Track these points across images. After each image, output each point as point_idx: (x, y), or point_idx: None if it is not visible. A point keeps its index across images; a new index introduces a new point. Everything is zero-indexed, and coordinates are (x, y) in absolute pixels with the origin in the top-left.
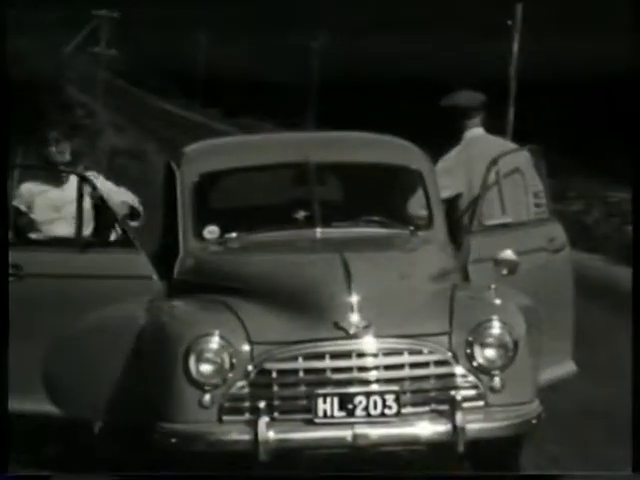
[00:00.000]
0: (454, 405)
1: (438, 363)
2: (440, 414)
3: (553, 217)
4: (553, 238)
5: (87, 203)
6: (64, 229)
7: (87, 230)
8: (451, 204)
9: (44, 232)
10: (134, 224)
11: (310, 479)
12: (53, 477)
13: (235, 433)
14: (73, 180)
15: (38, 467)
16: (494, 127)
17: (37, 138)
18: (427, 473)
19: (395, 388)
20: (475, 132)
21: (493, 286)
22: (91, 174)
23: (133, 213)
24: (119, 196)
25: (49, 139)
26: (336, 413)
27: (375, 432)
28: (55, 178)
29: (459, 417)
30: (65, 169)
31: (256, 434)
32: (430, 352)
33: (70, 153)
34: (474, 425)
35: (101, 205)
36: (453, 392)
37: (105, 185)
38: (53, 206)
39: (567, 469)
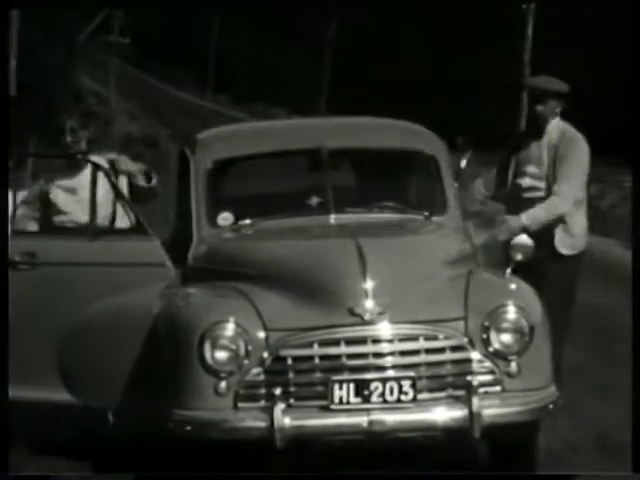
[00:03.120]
0: (470, 391)
1: (454, 349)
2: (456, 400)
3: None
4: None
5: (102, 190)
6: (82, 215)
7: (103, 218)
8: None
9: (64, 217)
10: (151, 185)
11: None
12: (53, 477)
13: (251, 420)
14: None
15: (52, 454)
16: None
17: (53, 128)
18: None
19: (411, 374)
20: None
21: (509, 271)
22: (114, 155)
23: (147, 174)
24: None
25: (65, 129)
26: (352, 399)
27: (391, 418)
28: (72, 165)
29: (475, 402)
30: (80, 157)
31: (272, 421)
32: (446, 337)
33: (86, 142)
34: (490, 411)
35: (115, 192)
36: (469, 377)
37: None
38: (70, 189)
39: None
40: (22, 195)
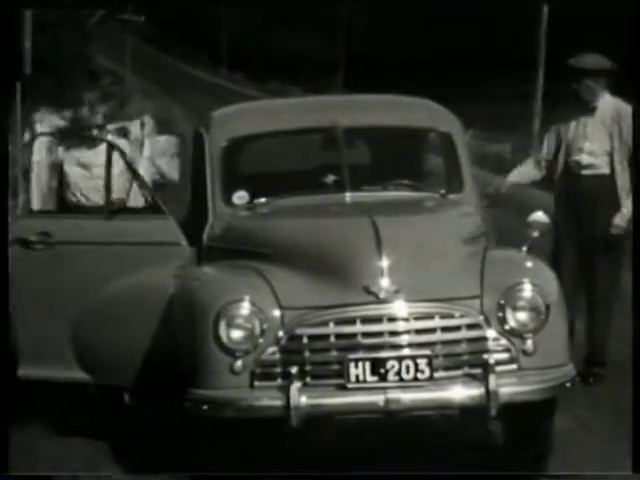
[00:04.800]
0: (487, 369)
1: (470, 326)
2: (473, 378)
3: None
4: None
5: (117, 169)
6: (95, 193)
7: (118, 198)
8: None
9: (77, 193)
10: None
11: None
12: (54, 477)
13: (267, 399)
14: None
15: (68, 434)
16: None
17: (70, 101)
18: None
19: (427, 352)
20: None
21: (524, 248)
22: (145, 119)
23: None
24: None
25: (83, 101)
26: (368, 378)
27: (407, 397)
28: (87, 141)
29: (492, 381)
30: (96, 136)
31: (288, 400)
32: (461, 316)
33: (102, 116)
34: (507, 389)
35: (131, 172)
36: (486, 356)
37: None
38: (84, 164)
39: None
40: (38, 173)
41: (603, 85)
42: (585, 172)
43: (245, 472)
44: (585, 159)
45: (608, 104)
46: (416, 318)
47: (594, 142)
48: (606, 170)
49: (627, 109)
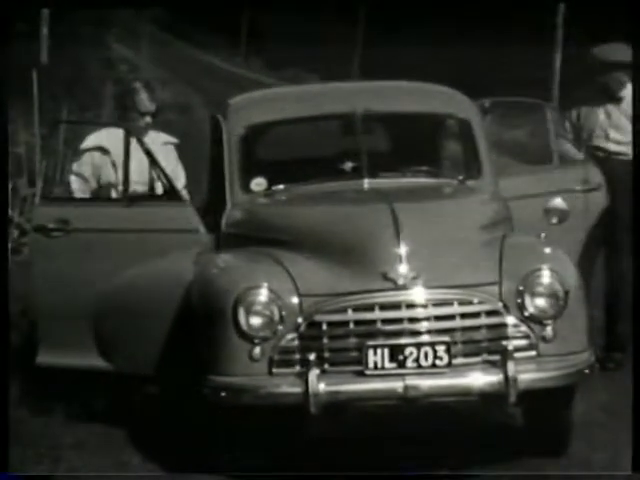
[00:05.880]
0: (506, 355)
1: (489, 313)
2: (492, 364)
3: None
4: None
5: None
6: (114, 178)
7: (137, 184)
8: None
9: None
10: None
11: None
12: (54, 477)
13: (285, 386)
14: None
15: (87, 421)
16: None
17: (121, 89)
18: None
19: (446, 339)
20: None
21: (543, 235)
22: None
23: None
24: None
25: (136, 88)
26: (387, 364)
27: (426, 383)
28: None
29: (511, 367)
30: (115, 123)
31: (307, 386)
32: (480, 302)
33: (156, 104)
34: (526, 375)
35: (149, 159)
36: (504, 342)
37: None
38: (104, 148)
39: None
40: (76, 163)
41: (629, 75)
42: (613, 157)
43: (261, 471)
44: (612, 147)
45: (631, 94)
46: (435, 304)
47: (619, 131)
48: (630, 157)
49: None
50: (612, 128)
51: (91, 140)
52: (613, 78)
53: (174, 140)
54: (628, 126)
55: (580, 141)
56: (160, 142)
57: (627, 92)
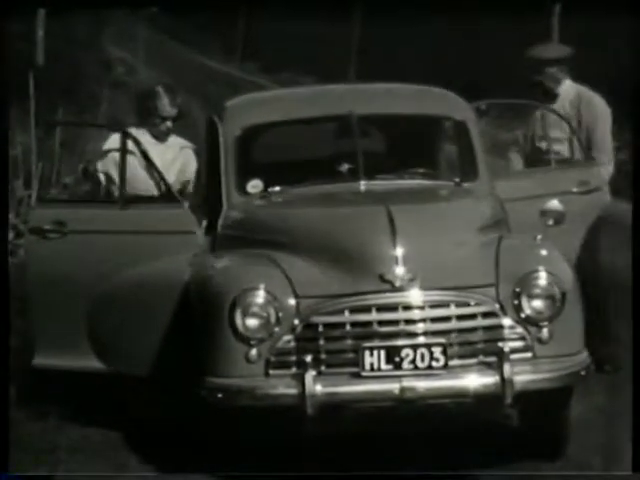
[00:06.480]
0: (502, 357)
1: (485, 315)
2: (488, 366)
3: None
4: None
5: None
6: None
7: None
8: None
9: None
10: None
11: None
12: (54, 477)
13: (282, 387)
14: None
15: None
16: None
17: (141, 93)
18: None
19: (442, 340)
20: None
21: (539, 237)
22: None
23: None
24: None
25: (157, 92)
26: (383, 366)
27: (422, 385)
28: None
29: (507, 369)
30: (112, 125)
31: (303, 388)
32: (477, 304)
33: (177, 108)
34: (522, 377)
35: (146, 161)
36: (501, 344)
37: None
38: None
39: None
40: (101, 162)
41: (565, 72)
42: (550, 157)
43: (258, 472)
44: (549, 145)
45: (568, 90)
46: (431, 306)
47: (556, 128)
48: (567, 155)
49: (589, 94)
50: (550, 126)
51: (114, 140)
52: (547, 75)
53: (192, 145)
54: (563, 123)
55: (582, 143)
56: (179, 146)
57: (562, 89)
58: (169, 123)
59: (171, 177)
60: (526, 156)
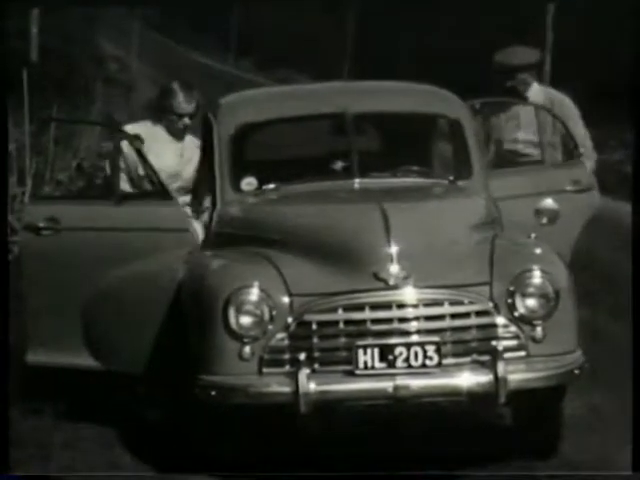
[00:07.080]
0: (495, 355)
1: (479, 313)
2: (481, 365)
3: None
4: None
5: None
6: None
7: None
8: None
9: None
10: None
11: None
12: (49, 477)
13: (275, 385)
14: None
15: (78, 421)
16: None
17: (159, 90)
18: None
19: (436, 339)
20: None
21: (533, 235)
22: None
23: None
24: None
25: (173, 89)
26: (377, 364)
27: (416, 383)
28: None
29: (501, 367)
30: (105, 123)
31: (297, 386)
32: (471, 302)
33: (195, 105)
34: (516, 375)
35: (140, 158)
36: (494, 342)
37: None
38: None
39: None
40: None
41: (534, 76)
42: (522, 160)
43: (251, 470)
44: (521, 148)
45: (538, 93)
46: (425, 304)
47: (528, 131)
48: (539, 158)
49: (560, 97)
50: (520, 129)
51: (143, 124)
52: (519, 80)
53: None
54: (534, 125)
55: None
56: (195, 146)
57: (531, 93)
58: (186, 120)
59: (185, 176)
60: (490, 159)
